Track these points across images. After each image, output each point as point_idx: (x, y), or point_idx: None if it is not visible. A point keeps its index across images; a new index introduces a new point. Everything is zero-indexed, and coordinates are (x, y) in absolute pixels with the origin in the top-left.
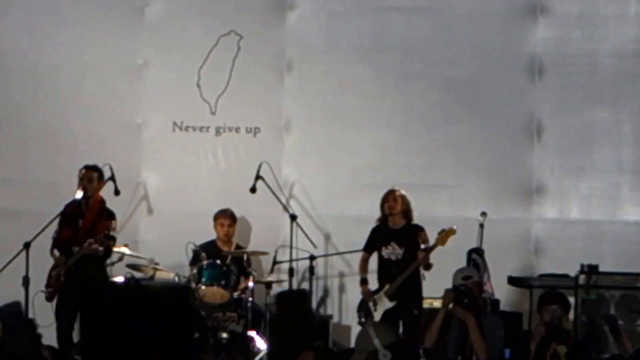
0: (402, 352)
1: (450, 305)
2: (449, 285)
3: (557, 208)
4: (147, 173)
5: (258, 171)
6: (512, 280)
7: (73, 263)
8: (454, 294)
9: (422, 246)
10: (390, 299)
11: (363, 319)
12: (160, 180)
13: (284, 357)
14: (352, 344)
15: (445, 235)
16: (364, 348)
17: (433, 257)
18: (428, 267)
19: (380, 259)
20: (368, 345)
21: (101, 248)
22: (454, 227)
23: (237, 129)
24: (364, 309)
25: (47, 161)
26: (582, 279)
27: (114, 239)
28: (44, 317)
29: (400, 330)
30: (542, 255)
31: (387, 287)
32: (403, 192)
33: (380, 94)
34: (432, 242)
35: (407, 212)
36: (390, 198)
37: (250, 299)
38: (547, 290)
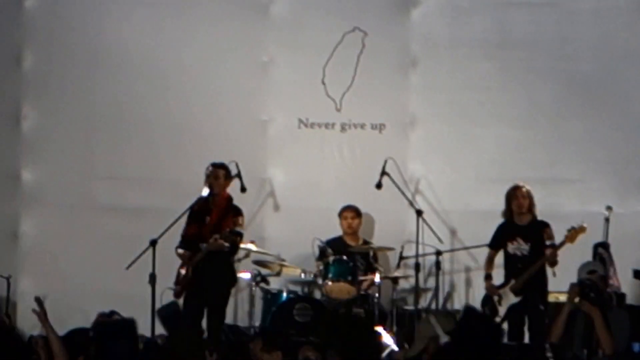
0: (461, 338)
1: (576, 300)
2: (575, 280)
3: None
4: (273, 170)
5: (384, 167)
6: (638, 274)
7: (200, 259)
8: (580, 288)
9: (547, 242)
10: (516, 294)
11: (488, 313)
12: (286, 176)
13: None
14: None
15: (574, 232)
16: (426, 335)
17: (559, 251)
18: (553, 264)
19: (506, 254)
20: (430, 332)
21: (227, 244)
22: (585, 225)
23: (363, 126)
24: (489, 304)
25: (174, 159)
26: None
27: (240, 234)
28: None
29: (526, 325)
30: None
31: (512, 282)
32: (528, 187)
33: (505, 89)
34: (557, 237)
35: (532, 208)
36: (519, 195)
37: (377, 294)
38: None
